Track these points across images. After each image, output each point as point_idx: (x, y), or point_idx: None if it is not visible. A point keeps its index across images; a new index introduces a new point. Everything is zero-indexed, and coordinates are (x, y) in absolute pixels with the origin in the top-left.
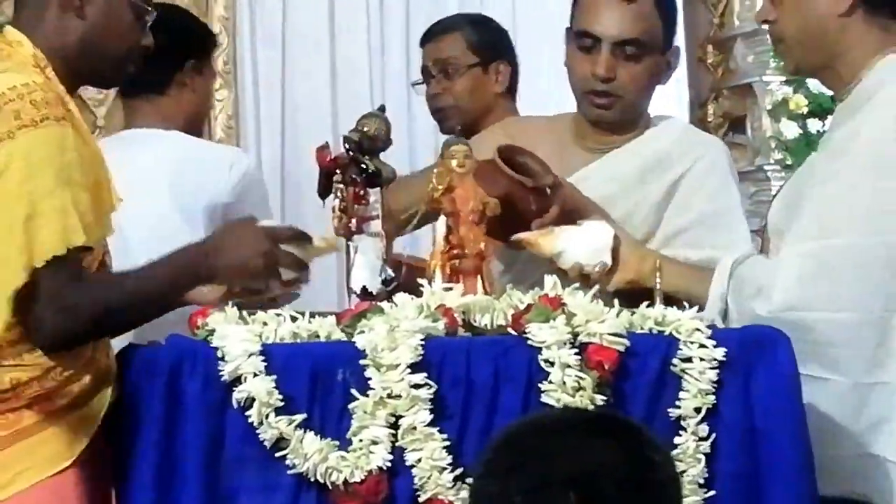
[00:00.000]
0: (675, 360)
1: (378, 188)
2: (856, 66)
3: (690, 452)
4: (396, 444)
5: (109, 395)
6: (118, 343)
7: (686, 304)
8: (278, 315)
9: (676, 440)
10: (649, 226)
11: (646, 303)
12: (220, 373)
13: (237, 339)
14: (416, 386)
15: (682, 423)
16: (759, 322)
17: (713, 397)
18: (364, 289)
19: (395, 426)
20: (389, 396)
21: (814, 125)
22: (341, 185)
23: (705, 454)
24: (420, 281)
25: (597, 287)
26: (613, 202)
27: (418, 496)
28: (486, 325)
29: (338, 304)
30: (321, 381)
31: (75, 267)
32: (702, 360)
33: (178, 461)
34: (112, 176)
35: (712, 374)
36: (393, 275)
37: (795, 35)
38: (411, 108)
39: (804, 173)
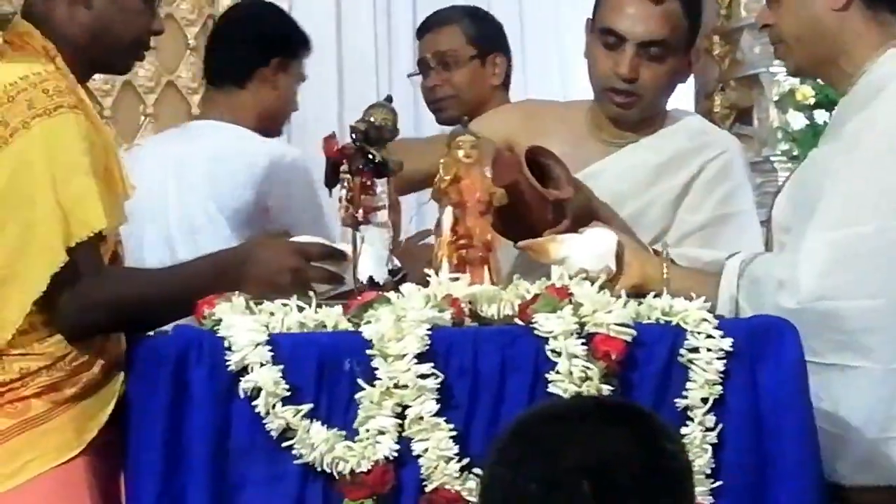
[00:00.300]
0: (682, 351)
1: (385, 178)
2: (859, 61)
3: (697, 443)
4: (403, 434)
5: (120, 385)
6: None
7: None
8: (285, 305)
9: (683, 430)
10: (662, 224)
11: (653, 293)
12: (227, 362)
13: (244, 328)
14: (423, 376)
15: (689, 413)
16: (784, 316)
17: (720, 387)
18: (371, 279)
19: (401, 416)
20: (396, 386)
21: (821, 116)
22: (348, 176)
23: (712, 444)
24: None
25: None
26: (626, 199)
27: (425, 486)
28: (492, 316)
29: None
30: (328, 371)
31: (95, 254)
32: (709, 350)
33: (185, 451)
34: (124, 163)
35: (719, 365)
36: (399, 265)
37: (795, 34)
38: (418, 98)
39: (810, 168)
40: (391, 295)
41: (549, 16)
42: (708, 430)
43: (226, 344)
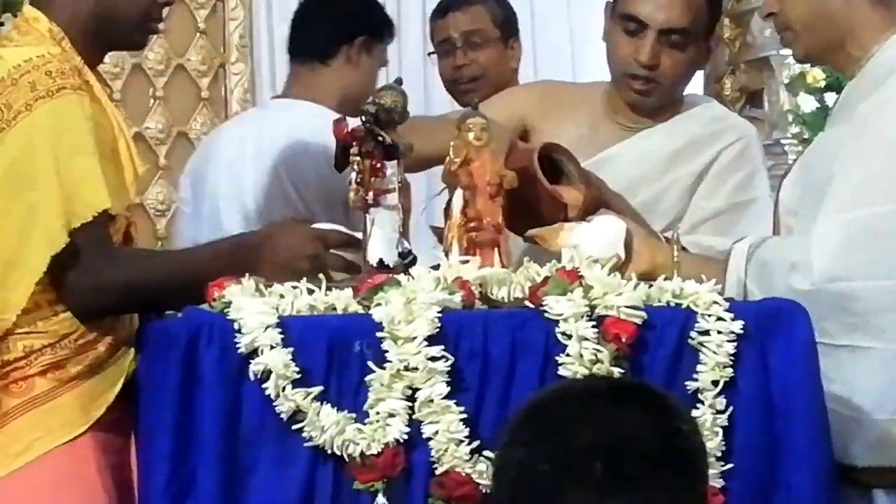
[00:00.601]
0: (692, 333)
1: (395, 161)
2: (866, 45)
3: (708, 425)
4: (413, 416)
5: (129, 364)
6: None
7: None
8: (295, 287)
9: (694, 413)
10: (677, 211)
11: (663, 276)
12: (237, 345)
13: (254, 311)
14: (433, 359)
15: (700, 396)
16: (797, 298)
17: (731, 370)
18: (381, 261)
19: (411, 399)
20: (406, 369)
21: (831, 98)
22: (358, 158)
23: (723, 427)
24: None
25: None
26: (641, 185)
27: (435, 469)
28: (502, 298)
29: None
30: (338, 354)
31: (103, 233)
32: (719, 332)
33: (195, 434)
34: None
35: (730, 347)
36: (409, 247)
37: (802, 21)
38: (427, 81)
39: (818, 152)
40: (401, 277)
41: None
42: (718, 412)
43: (236, 326)
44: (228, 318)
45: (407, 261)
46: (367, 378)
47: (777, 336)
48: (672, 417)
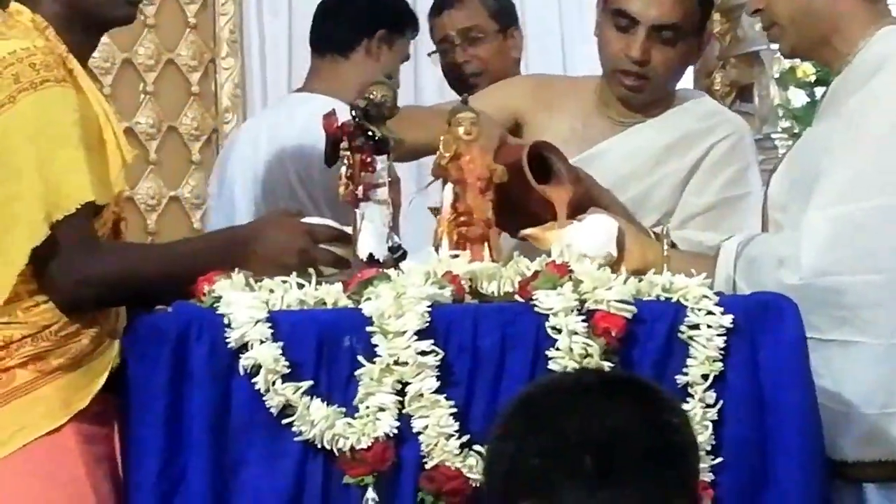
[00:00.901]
0: (682, 327)
1: (384, 155)
2: (853, 39)
3: (698, 419)
4: (403, 411)
5: (115, 356)
6: None
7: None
8: (285, 282)
9: (684, 407)
10: (668, 206)
11: (652, 270)
12: (227, 340)
13: (244, 305)
14: (423, 353)
15: (690, 390)
16: (786, 293)
17: (720, 364)
18: (370, 256)
19: (401, 393)
20: (396, 363)
21: (821, 93)
22: (348, 153)
23: (712, 421)
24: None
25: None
26: (632, 180)
27: (425, 463)
28: (492, 293)
29: None
30: (328, 348)
31: (86, 225)
32: (709, 326)
33: (185, 428)
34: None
35: (720, 341)
36: (399, 242)
37: (788, 16)
38: (417, 76)
39: (806, 147)
40: (391, 272)
41: None
42: (708, 406)
43: (226, 321)
44: (218, 312)
45: (397, 255)
46: (357, 372)
47: (767, 330)
48: (663, 411)
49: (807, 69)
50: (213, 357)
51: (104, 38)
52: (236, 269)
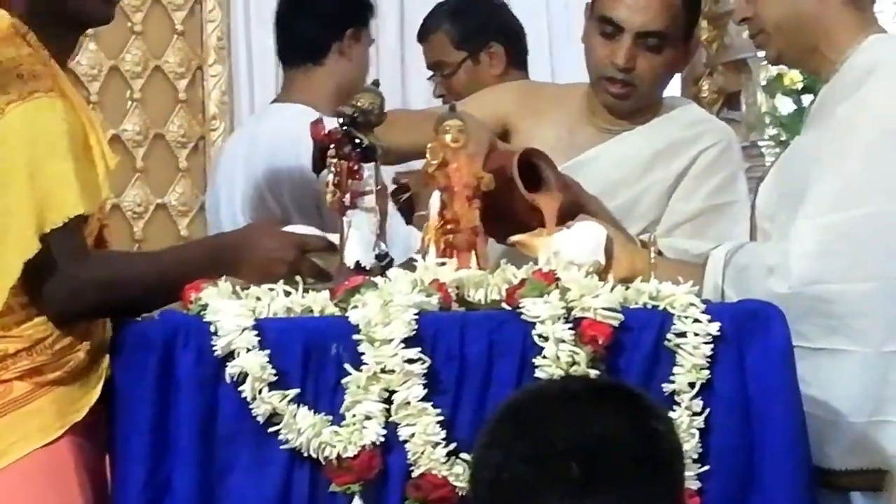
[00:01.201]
0: (669, 335)
1: (372, 163)
2: (841, 47)
3: (684, 427)
4: (390, 419)
5: (106, 368)
6: None
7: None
8: (271, 290)
9: (670, 415)
10: (655, 213)
11: (640, 277)
12: (214, 347)
13: (230, 313)
14: (410, 361)
15: (677, 398)
16: (775, 301)
17: (707, 372)
18: (357, 263)
19: (388, 401)
20: (383, 371)
21: (808, 101)
22: (335, 160)
23: (699, 429)
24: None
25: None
26: (619, 187)
27: (412, 471)
28: (479, 300)
29: None
30: (314, 356)
31: (77, 237)
32: (696, 334)
33: (172, 436)
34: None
35: (706, 349)
36: (387, 249)
37: (776, 23)
38: (405, 83)
39: (794, 156)
40: (378, 280)
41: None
42: (695, 414)
43: (212, 329)
44: (205, 320)
45: (384, 263)
46: (344, 380)
47: (754, 338)
48: (650, 418)
49: (794, 77)
50: (200, 365)
51: (91, 45)
52: (224, 277)
